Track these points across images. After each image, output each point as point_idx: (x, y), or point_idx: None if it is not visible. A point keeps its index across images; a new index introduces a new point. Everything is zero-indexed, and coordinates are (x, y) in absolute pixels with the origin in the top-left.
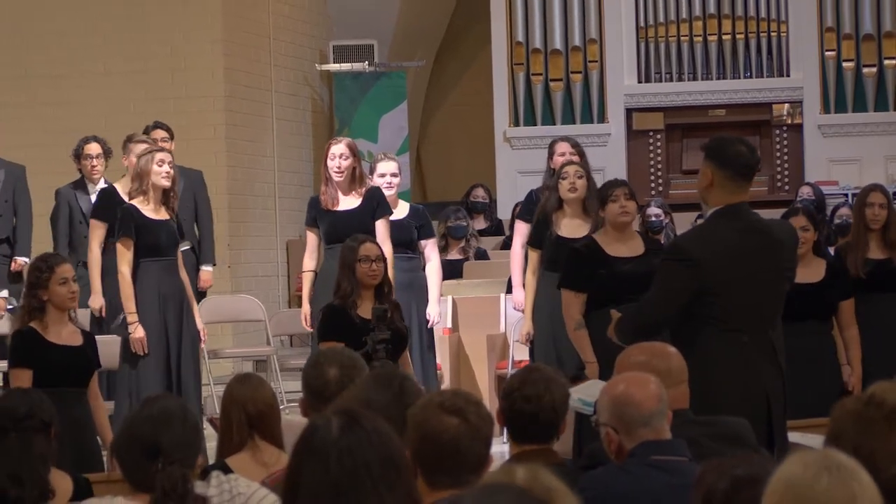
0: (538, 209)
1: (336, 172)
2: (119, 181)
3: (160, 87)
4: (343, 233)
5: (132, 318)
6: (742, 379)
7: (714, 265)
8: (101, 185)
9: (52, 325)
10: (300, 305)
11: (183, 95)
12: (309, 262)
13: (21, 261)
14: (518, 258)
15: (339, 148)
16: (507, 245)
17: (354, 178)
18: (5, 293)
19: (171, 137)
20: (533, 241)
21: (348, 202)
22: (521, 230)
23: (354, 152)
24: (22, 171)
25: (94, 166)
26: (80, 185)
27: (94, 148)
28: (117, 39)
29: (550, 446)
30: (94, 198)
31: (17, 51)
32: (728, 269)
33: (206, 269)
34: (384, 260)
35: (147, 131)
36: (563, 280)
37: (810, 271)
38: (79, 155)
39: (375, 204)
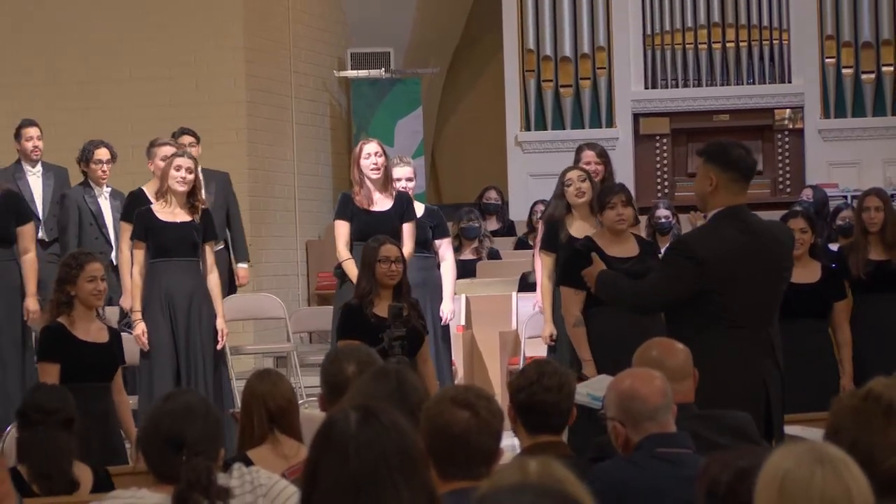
0: (546, 217)
1: (373, 170)
2: (147, 184)
3: (184, 93)
4: (376, 233)
5: (135, 315)
6: (742, 374)
7: (718, 264)
8: (106, 188)
9: (80, 321)
10: (320, 303)
11: (206, 101)
12: (345, 251)
13: None
14: (539, 258)
15: (373, 146)
16: (519, 245)
17: (387, 177)
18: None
19: (198, 142)
20: (546, 246)
21: (382, 203)
22: (542, 230)
23: (385, 151)
24: (65, 174)
25: (103, 171)
26: (87, 187)
27: (103, 153)
28: (143, 48)
29: (561, 438)
30: (101, 200)
31: (45, 58)
32: (731, 268)
33: (241, 267)
34: (404, 261)
35: (175, 137)
36: (563, 278)
37: (807, 272)
38: (88, 159)
39: (404, 208)
